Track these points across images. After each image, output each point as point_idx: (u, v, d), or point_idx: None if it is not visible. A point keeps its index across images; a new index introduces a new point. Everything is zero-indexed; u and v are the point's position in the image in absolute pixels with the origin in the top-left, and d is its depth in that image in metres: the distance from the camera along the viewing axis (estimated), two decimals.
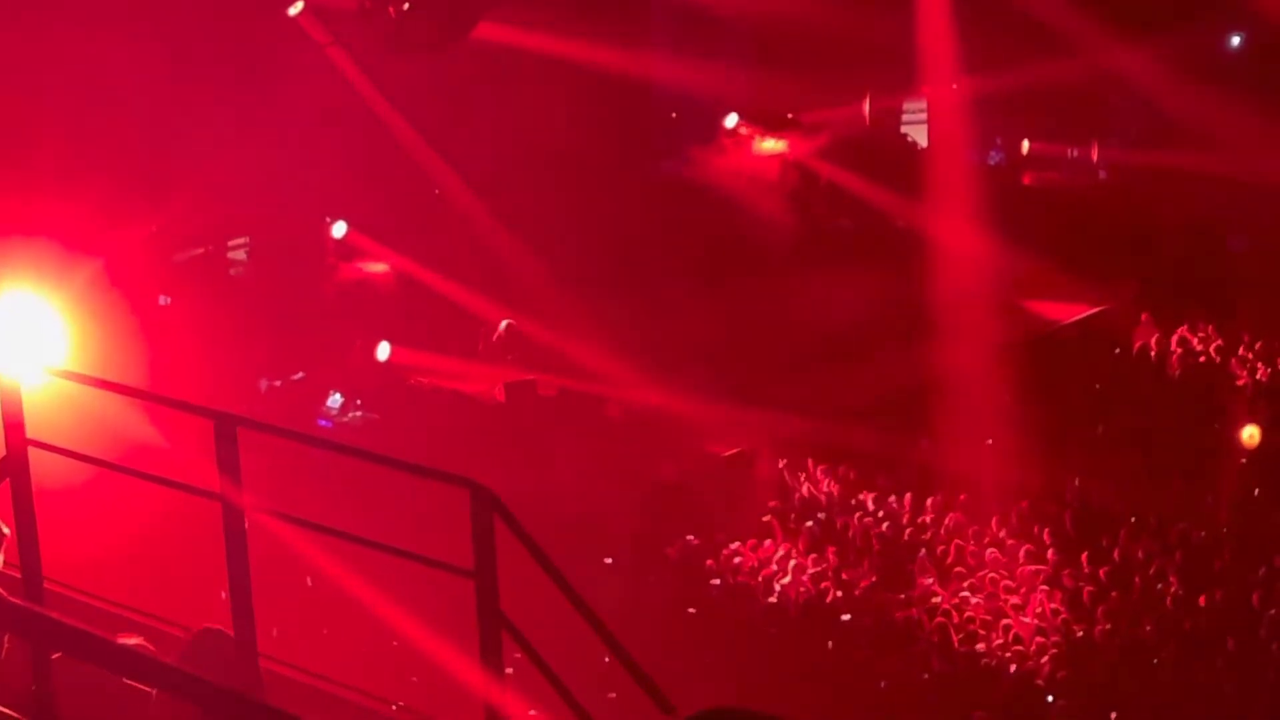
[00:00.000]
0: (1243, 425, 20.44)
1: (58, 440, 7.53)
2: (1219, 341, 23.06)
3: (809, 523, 18.91)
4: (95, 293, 21.03)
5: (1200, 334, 23.42)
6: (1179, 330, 23.61)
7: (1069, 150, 27.77)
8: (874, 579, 17.56)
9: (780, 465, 20.81)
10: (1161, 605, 16.62)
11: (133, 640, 6.80)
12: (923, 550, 18.19)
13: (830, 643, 16.43)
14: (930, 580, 17.39)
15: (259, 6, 21.70)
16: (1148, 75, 31.92)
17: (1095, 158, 28.63)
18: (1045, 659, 15.89)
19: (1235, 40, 32.18)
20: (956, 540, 18.15)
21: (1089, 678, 15.66)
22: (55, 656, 6.55)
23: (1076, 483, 19.29)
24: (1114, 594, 16.69)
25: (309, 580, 15.88)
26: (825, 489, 19.93)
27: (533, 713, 8.21)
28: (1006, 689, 15.72)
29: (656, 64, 26.27)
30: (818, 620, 16.79)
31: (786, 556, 18.22)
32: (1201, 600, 16.49)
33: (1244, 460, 19.74)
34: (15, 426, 7.30)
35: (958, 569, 17.70)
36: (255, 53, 21.51)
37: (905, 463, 20.25)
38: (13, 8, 19.23)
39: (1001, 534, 18.32)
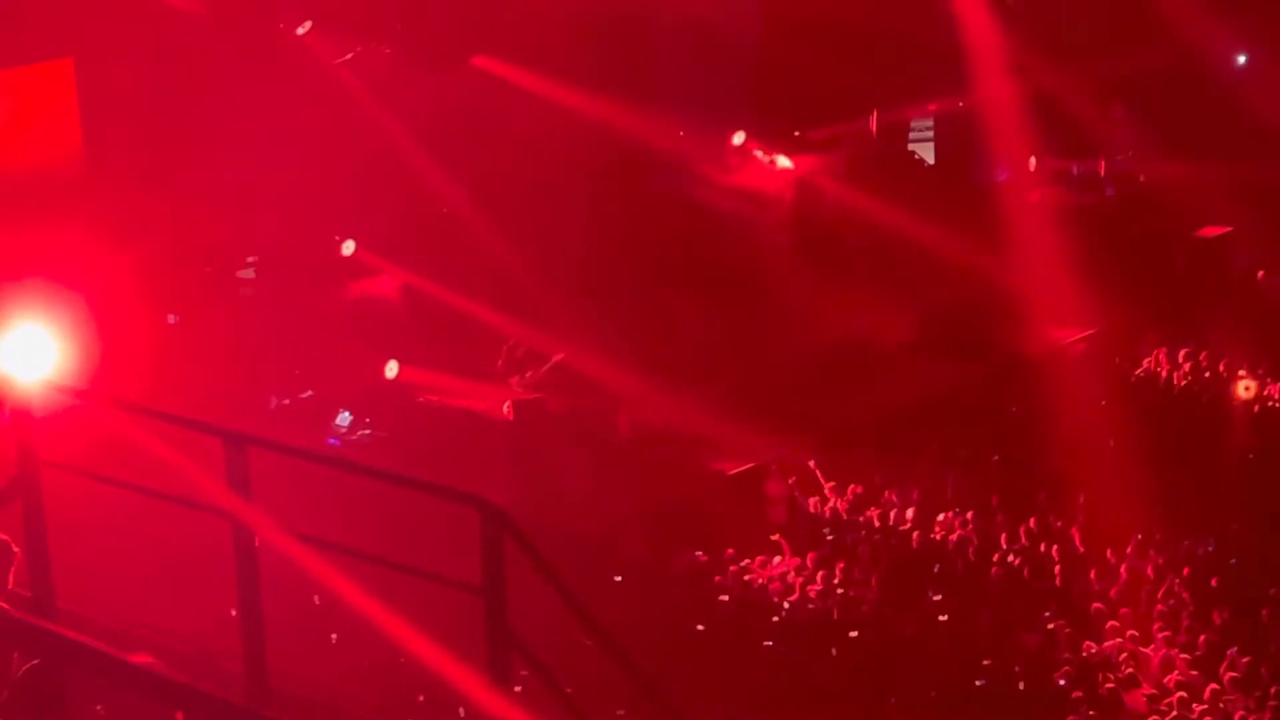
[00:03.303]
0: (1248, 440, 20.48)
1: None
2: (1226, 357, 23.06)
3: (829, 537, 18.91)
4: (104, 315, 21.10)
5: (1207, 349, 23.43)
6: (1185, 346, 23.61)
7: (1076, 166, 27.81)
8: (882, 596, 17.55)
9: (790, 482, 20.81)
10: (1175, 621, 16.62)
11: (144, 659, 6.83)
12: (936, 567, 18.20)
13: (838, 660, 16.41)
14: (938, 597, 17.38)
15: (267, 25, 21.78)
16: (1155, 90, 32.02)
17: (1103, 173, 28.68)
18: (1057, 675, 15.89)
19: (1241, 59, 32.34)
20: (962, 556, 18.16)
21: (1100, 694, 15.66)
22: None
23: (1081, 499, 19.30)
24: (1124, 611, 16.69)
25: (316, 598, 15.88)
26: (834, 506, 19.94)
27: None
28: (1016, 705, 15.71)
29: (664, 84, 26.32)
30: (826, 637, 16.79)
31: (795, 573, 18.22)
32: (1214, 617, 16.48)
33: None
34: (28, 448, 7.35)
35: (965, 585, 17.70)
36: (264, 71, 21.58)
37: (914, 479, 20.27)
38: (23, 34, 19.32)
39: (1009, 552, 18.32)
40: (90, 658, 4.87)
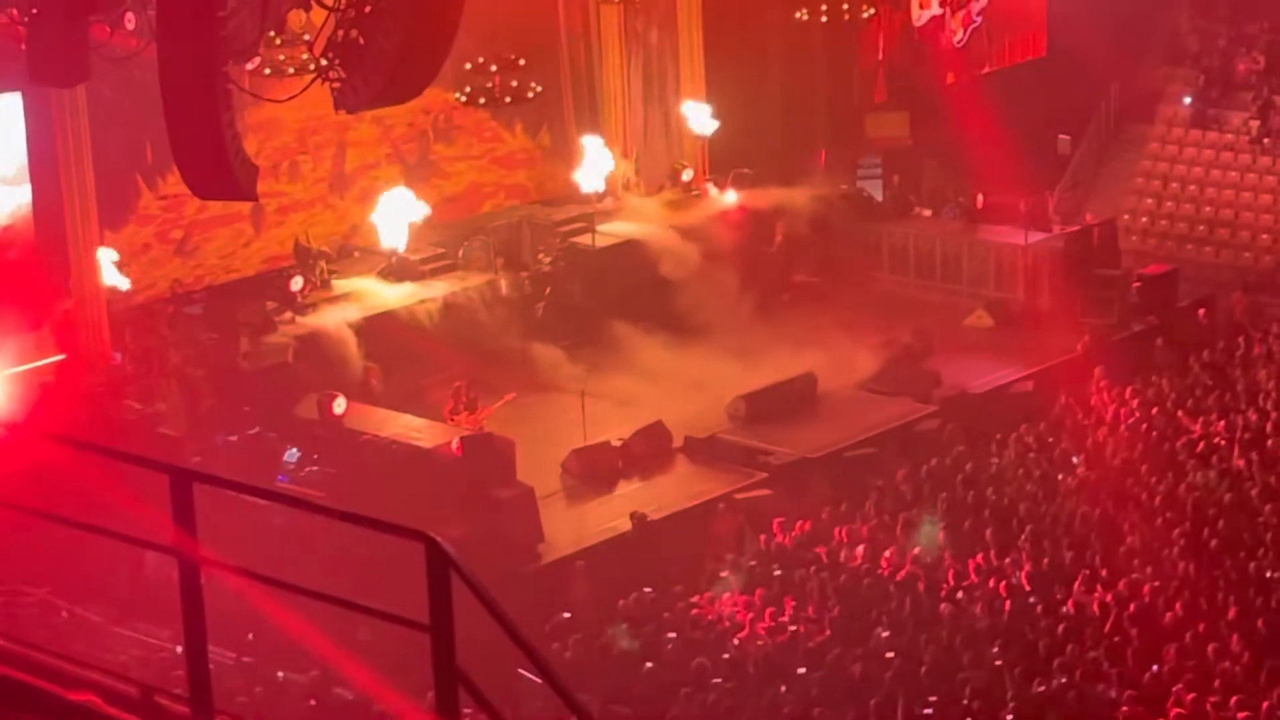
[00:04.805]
0: (1195, 476, 20.55)
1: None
2: (1173, 394, 23.18)
3: (777, 572, 18.88)
4: (54, 350, 21.02)
5: (1153, 386, 23.54)
6: (1132, 383, 23.73)
7: (1023, 202, 28.01)
8: (830, 633, 17.54)
9: (739, 518, 20.83)
10: (1123, 658, 16.67)
11: (85, 696, 6.76)
12: (885, 607, 18.17)
13: (787, 696, 16.38)
14: (886, 634, 17.38)
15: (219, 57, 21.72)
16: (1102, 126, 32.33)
17: (1050, 208, 28.88)
18: (1005, 713, 15.89)
19: (1187, 100, 32.80)
20: (911, 593, 18.16)
21: None
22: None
23: (1024, 535, 19.35)
24: (1070, 647, 16.70)
25: (250, 635, 15.82)
26: (782, 542, 19.93)
27: None
28: None
29: None
30: (774, 674, 16.76)
31: (743, 610, 18.20)
32: (1164, 653, 16.52)
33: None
34: None
35: (913, 622, 17.70)
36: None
37: (861, 515, 20.30)
38: None
39: (957, 589, 18.35)
40: (29, 696, 4.82)
